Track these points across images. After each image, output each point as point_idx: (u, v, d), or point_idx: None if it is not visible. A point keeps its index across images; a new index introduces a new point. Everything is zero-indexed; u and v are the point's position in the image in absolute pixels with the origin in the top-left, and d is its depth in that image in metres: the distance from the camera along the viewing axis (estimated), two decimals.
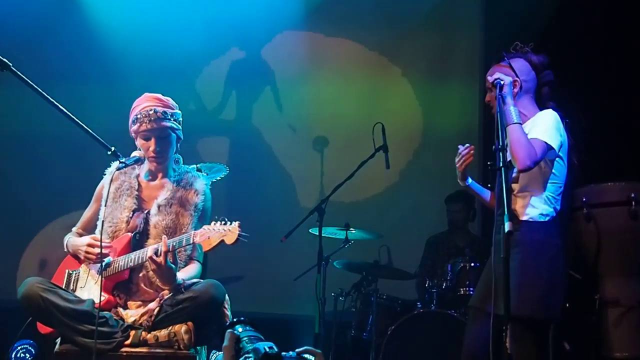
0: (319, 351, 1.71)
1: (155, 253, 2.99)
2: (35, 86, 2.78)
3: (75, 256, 3.34)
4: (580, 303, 3.63)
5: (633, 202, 3.27)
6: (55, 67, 5.60)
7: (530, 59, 3.05)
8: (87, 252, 3.22)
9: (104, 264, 3.12)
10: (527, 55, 3.07)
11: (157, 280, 3.09)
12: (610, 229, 3.33)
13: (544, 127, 2.88)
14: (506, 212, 2.48)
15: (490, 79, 2.95)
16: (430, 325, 4.41)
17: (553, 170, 2.93)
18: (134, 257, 3.12)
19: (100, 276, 3.13)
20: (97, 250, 3.17)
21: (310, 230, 4.47)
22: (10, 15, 5.59)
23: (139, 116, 3.26)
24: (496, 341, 2.62)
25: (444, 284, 4.71)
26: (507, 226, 2.46)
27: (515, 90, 2.98)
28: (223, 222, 2.96)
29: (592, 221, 3.34)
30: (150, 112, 3.24)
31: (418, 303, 4.79)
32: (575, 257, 3.56)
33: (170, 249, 3.00)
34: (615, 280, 3.42)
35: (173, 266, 3.03)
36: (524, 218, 2.89)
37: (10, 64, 2.70)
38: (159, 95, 3.34)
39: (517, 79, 3.00)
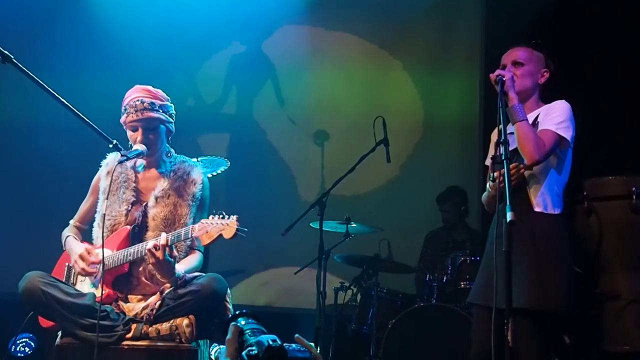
0: (311, 344, 1.71)
1: (155, 247, 2.99)
2: (37, 78, 2.77)
3: None
4: (580, 296, 3.63)
5: (634, 196, 3.27)
6: (55, 60, 5.59)
7: (550, 62, 3.12)
8: (76, 262, 3.20)
9: (102, 258, 3.11)
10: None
11: (157, 273, 3.08)
12: (611, 222, 3.32)
13: (558, 118, 2.92)
14: (508, 203, 2.48)
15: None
16: (431, 319, 4.41)
17: (565, 161, 2.97)
18: (133, 251, 3.12)
19: (99, 270, 3.14)
20: (83, 265, 3.16)
21: (310, 224, 4.47)
22: (11, 7, 5.57)
23: (126, 107, 3.26)
24: (498, 335, 2.63)
25: (445, 278, 4.72)
26: (509, 216, 2.46)
27: (543, 80, 3.05)
28: (221, 216, 2.96)
29: (593, 215, 3.33)
30: (137, 103, 3.23)
31: (418, 299, 4.80)
32: (576, 251, 3.56)
33: (169, 243, 3.00)
34: (616, 274, 3.42)
35: (171, 260, 3.02)
36: (538, 210, 2.91)
37: (12, 56, 2.70)
38: (149, 87, 3.33)
39: (546, 69, 3.07)
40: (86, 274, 3.18)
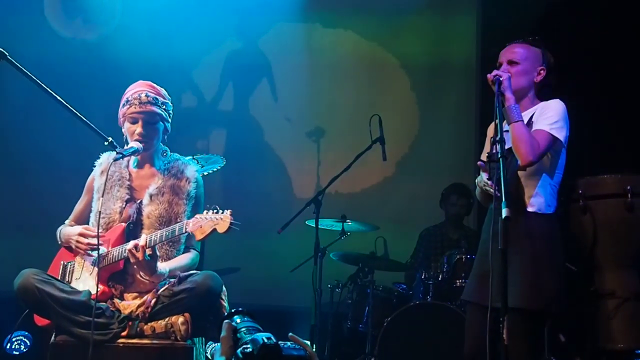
0: (307, 342, 1.71)
1: (136, 248, 2.98)
2: (33, 76, 2.76)
3: (69, 247, 3.32)
4: (575, 295, 3.64)
5: (629, 195, 3.28)
6: (51, 56, 5.57)
7: (549, 57, 3.08)
8: (78, 242, 3.21)
9: (98, 254, 3.11)
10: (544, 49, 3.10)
11: (139, 272, 3.08)
12: (606, 220, 3.33)
13: (552, 118, 2.90)
14: (504, 200, 2.49)
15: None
16: (427, 317, 4.41)
17: (559, 161, 2.97)
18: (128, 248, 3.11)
19: (94, 267, 3.14)
20: (87, 240, 3.17)
21: (306, 222, 4.47)
22: (5, 5, 5.56)
23: (129, 99, 3.26)
24: (493, 333, 2.63)
25: (440, 276, 4.71)
26: (504, 212, 2.46)
27: (539, 78, 3.02)
28: (215, 211, 2.96)
29: (588, 213, 3.34)
30: (142, 96, 3.24)
31: (413, 297, 4.81)
32: (571, 249, 3.57)
33: (153, 243, 2.99)
34: (610, 272, 3.43)
35: (151, 259, 3.01)
36: (531, 209, 2.91)
37: (7, 54, 2.69)
38: (153, 83, 3.34)
39: (543, 67, 3.03)
40: (92, 248, 3.16)
